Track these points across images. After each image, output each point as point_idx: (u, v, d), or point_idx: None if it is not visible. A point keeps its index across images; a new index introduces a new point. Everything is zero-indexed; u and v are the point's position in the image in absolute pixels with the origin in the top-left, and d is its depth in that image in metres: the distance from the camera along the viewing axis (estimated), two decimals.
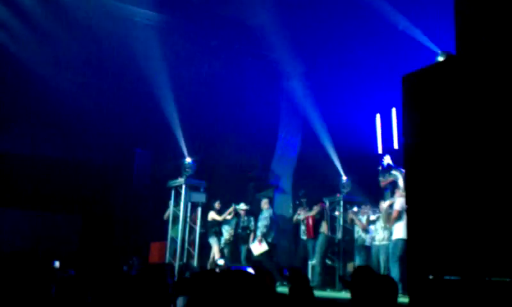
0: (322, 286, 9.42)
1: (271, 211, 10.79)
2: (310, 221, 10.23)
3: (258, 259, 10.20)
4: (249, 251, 10.57)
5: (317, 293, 8.09)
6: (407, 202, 3.78)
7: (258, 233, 10.43)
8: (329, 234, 10.23)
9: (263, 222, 10.53)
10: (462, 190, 3.33)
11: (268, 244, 10.42)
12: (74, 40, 11.03)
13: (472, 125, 3.08)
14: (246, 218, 10.84)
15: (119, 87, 11.96)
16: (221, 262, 9.61)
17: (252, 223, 10.78)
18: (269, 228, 10.55)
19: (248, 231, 10.70)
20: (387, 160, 9.84)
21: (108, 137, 11.91)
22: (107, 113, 11.84)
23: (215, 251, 10.46)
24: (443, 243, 3.54)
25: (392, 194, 8.93)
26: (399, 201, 8.25)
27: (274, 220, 10.87)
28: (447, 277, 3.53)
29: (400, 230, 8.09)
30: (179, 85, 11.81)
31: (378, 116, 13.18)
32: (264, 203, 10.82)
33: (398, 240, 8.10)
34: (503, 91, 2.93)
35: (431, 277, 3.64)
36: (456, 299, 3.25)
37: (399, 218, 8.18)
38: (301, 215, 10.50)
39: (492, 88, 2.98)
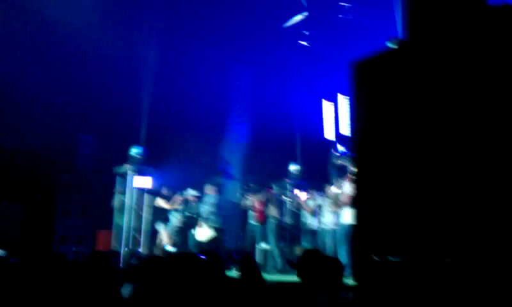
0: (279, 270, 9.56)
1: (216, 196, 10.74)
2: (259, 206, 10.29)
3: (207, 245, 10.19)
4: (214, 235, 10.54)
5: (279, 277, 8.20)
6: (355, 186, 3.84)
7: (201, 219, 10.41)
8: (279, 217, 10.29)
9: (206, 207, 10.51)
10: (407, 174, 3.40)
11: (216, 229, 10.40)
12: (11, 21, 10.57)
13: (421, 111, 3.14)
14: (194, 204, 10.79)
15: (61, 71, 11.58)
16: (170, 249, 9.55)
17: (201, 209, 10.75)
18: (215, 213, 10.52)
19: (196, 217, 10.66)
20: (340, 146, 9.99)
21: (51, 123, 11.55)
22: (50, 98, 11.46)
23: (163, 237, 10.38)
24: (388, 226, 3.61)
25: (339, 179, 9.06)
26: (349, 186, 8.40)
27: (220, 205, 10.82)
28: (391, 259, 3.60)
29: (348, 215, 8.26)
30: (125, 70, 11.56)
31: (325, 101, 13.35)
32: (208, 189, 10.77)
33: (347, 224, 8.26)
34: (452, 77, 3.00)
35: (375, 258, 3.71)
36: (399, 279, 3.31)
37: (348, 203, 8.33)
38: (249, 200, 10.54)
39: (441, 74, 3.04)
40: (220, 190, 11.48)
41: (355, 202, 3.86)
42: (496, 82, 2.84)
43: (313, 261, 3.52)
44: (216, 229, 10.41)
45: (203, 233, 10.36)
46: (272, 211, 10.18)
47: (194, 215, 10.64)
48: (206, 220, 10.33)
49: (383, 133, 3.45)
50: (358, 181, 3.82)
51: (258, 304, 3.61)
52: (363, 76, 3.66)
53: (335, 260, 3.70)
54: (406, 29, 3.60)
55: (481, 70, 2.91)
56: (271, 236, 10.00)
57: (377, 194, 3.52)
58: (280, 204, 10.76)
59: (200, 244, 10.40)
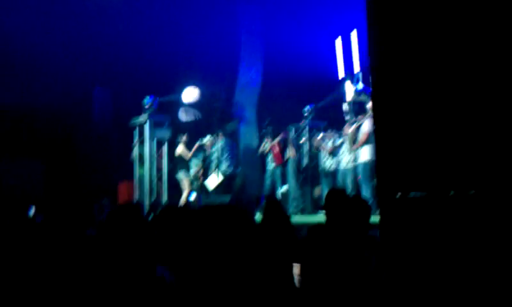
0: (301, 211, 9.64)
1: (223, 141, 10.72)
2: (277, 148, 10.29)
3: (235, 191, 10.27)
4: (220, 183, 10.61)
5: (303, 218, 8.26)
6: (374, 122, 3.80)
7: (213, 167, 10.45)
8: (297, 157, 10.28)
9: (215, 154, 10.53)
10: (426, 108, 3.35)
11: (229, 175, 10.45)
12: None
13: (439, 44, 3.06)
14: (213, 149, 10.81)
15: (71, 25, 11.46)
16: (192, 198, 9.65)
17: (211, 156, 10.74)
18: (225, 158, 10.54)
19: (205, 164, 10.69)
20: (360, 84, 9.83)
21: (64, 77, 11.52)
22: (61, 53, 11.41)
23: (185, 186, 10.45)
24: (410, 161, 3.58)
25: (357, 117, 8.98)
26: (367, 124, 8.33)
27: (230, 149, 10.81)
28: (414, 194, 3.60)
29: (366, 153, 8.23)
30: (134, 20, 11.41)
31: (339, 40, 13.08)
32: (220, 135, 10.77)
33: (366, 162, 8.25)
34: (472, 8, 2.90)
35: (397, 196, 3.70)
36: (423, 213, 3.33)
37: (366, 141, 8.30)
38: (267, 144, 10.54)
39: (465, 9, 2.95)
40: (236, 136, 11.48)
41: (376, 139, 3.84)
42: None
43: (339, 201, 3.53)
44: (230, 175, 10.42)
45: (211, 181, 10.41)
46: (291, 153, 10.17)
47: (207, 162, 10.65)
48: (215, 167, 10.36)
49: (402, 66, 3.39)
50: (377, 117, 3.79)
51: (284, 247, 3.64)
52: (380, 8, 3.55)
53: (361, 200, 3.71)
54: None
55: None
56: (291, 178, 10.02)
57: (399, 129, 3.49)
58: (298, 146, 10.76)
59: (208, 191, 10.47)
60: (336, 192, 3.71)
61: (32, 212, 6.76)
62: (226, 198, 9.57)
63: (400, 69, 3.35)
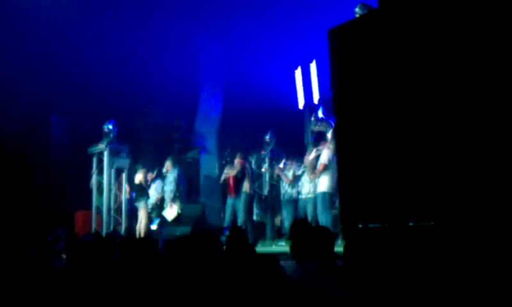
0: (254, 242, 9.55)
1: (175, 173, 10.66)
2: (231, 181, 10.14)
3: (196, 221, 10.18)
4: (178, 214, 10.51)
5: (259, 248, 8.20)
6: (337, 152, 3.87)
7: (167, 199, 10.34)
8: (251, 192, 10.11)
9: (169, 186, 10.45)
10: (388, 140, 3.44)
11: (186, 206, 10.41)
12: None
13: (401, 76, 3.17)
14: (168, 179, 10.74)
15: (29, 52, 11.28)
16: (154, 227, 9.52)
17: (165, 187, 10.64)
18: (177, 190, 10.47)
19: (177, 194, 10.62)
20: (320, 112, 9.96)
21: (22, 105, 11.28)
22: (18, 80, 11.18)
23: (142, 215, 10.28)
24: (371, 192, 3.66)
25: (317, 146, 9.06)
26: (325, 154, 8.43)
27: (180, 181, 10.75)
28: (374, 225, 3.67)
29: (325, 182, 8.32)
30: (94, 47, 11.33)
31: (298, 71, 13.33)
32: (168, 166, 10.68)
33: (325, 192, 8.32)
34: (429, 42, 3.03)
35: (360, 226, 3.77)
36: (384, 244, 3.38)
37: (324, 171, 8.38)
38: (224, 174, 10.47)
39: (419, 39, 3.07)
40: (196, 165, 11.44)
41: (339, 169, 3.90)
42: (465, 42, 2.87)
43: (303, 230, 3.56)
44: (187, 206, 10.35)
45: (169, 213, 10.33)
46: (245, 185, 10.00)
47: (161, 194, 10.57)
48: (169, 199, 10.30)
49: (365, 100, 3.48)
50: (339, 148, 3.87)
51: (249, 274, 3.63)
52: (340, 42, 3.67)
53: (325, 229, 3.74)
54: None
55: (448, 30, 2.94)
56: (242, 211, 9.85)
57: (361, 160, 3.56)
58: (259, 177, 10.80)
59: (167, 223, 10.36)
60: (301, 222, 3.75)
61: None
62: (187, 229, 9.47)
63: (363, 100, 3.45)
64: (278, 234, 9.70)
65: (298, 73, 13.24)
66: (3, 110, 11.24)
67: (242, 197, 9.84)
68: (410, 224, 3.33)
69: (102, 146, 10.21)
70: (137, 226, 10.08)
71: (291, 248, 3.49)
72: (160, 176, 10.71)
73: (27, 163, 11.81)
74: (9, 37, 10.82)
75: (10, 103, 11.18)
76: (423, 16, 3.07)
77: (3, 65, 10.88)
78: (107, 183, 10.06)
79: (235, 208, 10.15)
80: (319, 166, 8.48)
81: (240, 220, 9.83)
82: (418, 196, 3.19)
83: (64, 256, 5.05)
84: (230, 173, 10.13)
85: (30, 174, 11.89)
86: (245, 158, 10.55)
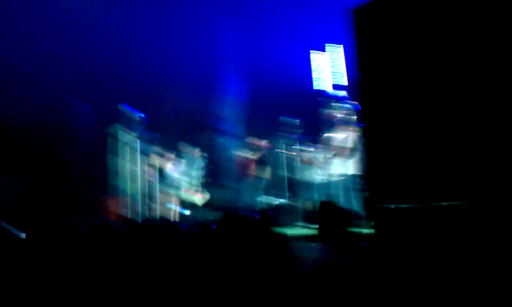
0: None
1: (204, 159, 10.73)
2: (253, 164, 10.22)
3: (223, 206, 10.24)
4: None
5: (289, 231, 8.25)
6: (365, 135, 3.87)
7: (197, 184, 10.43)
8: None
9: (199, 172, 10.54)
10: (418, 120, 3.42)
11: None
12: None
13: (429, 58, 3.14)
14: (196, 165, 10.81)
15: (49, 35, 11.33)
16: (186, 213, 9.66)
17: (192, 173, 10.74)
18: (205, 175, 10.57)
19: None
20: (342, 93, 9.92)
21: (42, 90, 11.39)
22: (38, 66, 11.28)
23: (174, 201, 10.43)
24: (401, 173, 3.65)
25: (340, 129, 9.05)
26: (352, 137, 8.43)
27: (209, 167, 10.82)
28: (407, 206, 3.67)
29: (354, 165, 8.36)
30: (113, 31, 11.34)
31: (313, 53, 13.19)
32: (196, 152, 10.75)
33: (354, 174, 8.36)
34: (458, 20, 2.99)
35: (392, 206, 3.78)
36: (416, 225, 3.39)
37: (352, 153, 8.40)
38: (243, 157, 10.51)
39: (447, 18, 3.03)
40: (218, 149, 11.49)
41: (367, 151, 3.90)
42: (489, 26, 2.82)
43: (330, 213, 3.59)
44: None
45: (199, 199, 10.42)
46: (263, 169, 10.08)
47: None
48: (200, 185, 10.39)
49: (391, 80, 3.46)
50: (367, 130, 3.85)
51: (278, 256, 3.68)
52: (365, 22, 3.63)
53: (350, 212, 3.78)
54: None
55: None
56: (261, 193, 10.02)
57: (389, 142, 3.55)
58: (288, 159, 10.80)
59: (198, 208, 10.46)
60: (327, 205, 3.77)
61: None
62: (218, 213, 9.54)
63: (390, 82, 3.42)
64: (309, 217, 9.73)
65: (314, 56, 13.13)
66: (24, 96, 11.38)
67: (260, 179, 9.98)
68: (443, 203, 3.32)
69: (134, 134, 10.34)
70: (171, 212, 10.26)
71: (318, 230, 3.54)
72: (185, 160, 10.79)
73: (52, 149, 11.94)
74: (28, 22, 10.91)
75: (30, 88, 11.29)
76: None
77: (25, 53, 11.00)
78: (140, 170, 10.21)
79: (253, 189, 10.25)
80: (347, 149, 8.48)
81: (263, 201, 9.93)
82: (449, 176, 3.17)
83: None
84: (250, 155, 10.18)
85: (58, 161, 12.04)
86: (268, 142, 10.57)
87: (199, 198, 10.40)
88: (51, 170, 11.88)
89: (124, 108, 10.50)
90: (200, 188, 10.42)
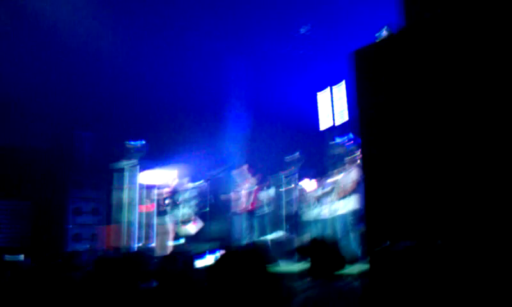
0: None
1: (197, 190, 10.77)
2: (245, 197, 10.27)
3: (220, 237, 10.24)
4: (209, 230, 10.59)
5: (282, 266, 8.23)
6: (364, 171, 3.90)
7: (191, 214, 10.43)
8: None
9: (193, 201, 10.54)
10: (415, 159, 3.45)
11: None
12: (7, 18, 10.49)
13: (426, 96, 3.19)
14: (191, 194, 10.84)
15: (58, 69, 11.51)
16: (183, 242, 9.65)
17: (213, 201, 10.78)
18: (198, 206, 10.59)
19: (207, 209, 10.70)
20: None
21: (47, 120, 11.52)
22: (48, 96, 11.43)
23: (170, 230, 10.39)
24: (398, 210, 3.66)
25: (342, 167, 9.11)
26: (356, 172, 8.49)
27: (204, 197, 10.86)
28: (403, 244, 3.65)
29: (355, 201, 8.38)
30: (121, 65, 11.51)
31: (321, 93, 13.41)
32: (188, 182, 10.79)
33: (354, 210, 8.37)
34: (455, 61, 3.04)
35: (387, 244, 3.76)
36: (411, 262, 3.37)
37: (353, 191, 8.44)
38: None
39: (445, 58, 3.09)
40: (224, 182, 11.51)
41: (366, 187, 3.92)
42: (493, 65, 2.88)
43: (321, 249, 3.59)
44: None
45: (192, 227, 10.40)
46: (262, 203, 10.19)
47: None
48: (193, 214, 10.41)
49: (391, 119, 3.50)
50: (366, 166, 3.89)
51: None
52: (366, 63, 3.71)
53: (340, 250, 3.77)
54: (404, 16, 3.66)
55: (475, 54, 2.95)
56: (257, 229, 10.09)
57: (387, 179, 3.58)
58: (287, 194, 10.86)
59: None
60: (319, 241, 3.77)
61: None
62: (214, 244, 9.53)
63: (390, 120, 3.47)
64: (296, 249, 9.72)
65: (321, 96, 13.34)
66: (28, 123, 11.51)
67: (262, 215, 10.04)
68: (438, 242, 3.32)
69: (132, 162, 10.38)
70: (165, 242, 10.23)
71: (310, 266, 3.53)
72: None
73: (61, 177, 12.04)
74: (35, 50, 11.08)
75: (34, 116, 11.42)
76: (450, 37, 3.09)
77: (34, 82, 11.17)
78: (139, 198, 10.22)
79: (258, 224, 10.27)
80: (351, 184, 8.49)
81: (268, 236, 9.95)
82: (445, 215, 3.18)
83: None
84: (249, 190, 10.22)
85: (64, 188, 12.12)
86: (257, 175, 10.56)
87: (192, 227, 10.37)
88: (55, 197, 11.97)
89: (129, 143, 10.58)
90: (193, 217, 10.39)
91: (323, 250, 3.55)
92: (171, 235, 10.33)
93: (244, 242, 10.04)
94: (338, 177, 9.01)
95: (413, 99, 3.27)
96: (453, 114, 3.07)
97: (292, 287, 3.64)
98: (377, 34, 5.48)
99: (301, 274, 6.22)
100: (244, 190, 10.21)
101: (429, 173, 3.33)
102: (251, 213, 10.21)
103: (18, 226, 11.35)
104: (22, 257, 7.06)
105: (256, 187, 10.29)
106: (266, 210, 10.35)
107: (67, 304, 3.31)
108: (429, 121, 3.19)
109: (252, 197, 10.22)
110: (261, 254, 4.29)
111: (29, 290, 3.52)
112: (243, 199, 10.13)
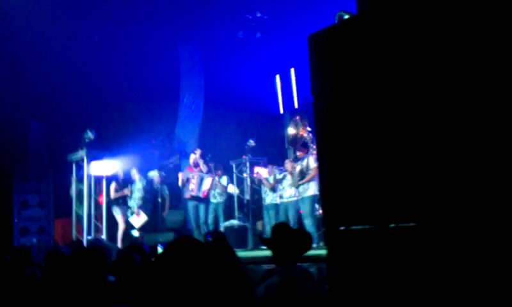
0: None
1: (143, 181, 10.63)
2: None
3: (174, 228, 10.13)
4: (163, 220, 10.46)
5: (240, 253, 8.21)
6: (318, 157, 3.90)
7: (135, 206, 10.30)
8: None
9: (138, 194, 10.40)
10: (369, 142, 3.46)
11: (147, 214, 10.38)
12: None
13: (383, 79, 3.20)
14: (159, 186, 10.69)
15: (8, 60, 11.13)
16: (135, 233, 9.47)
17: (166, 191, 10.65)
18: (144, 199, 10.46)
19: (160, 200, 10.57)
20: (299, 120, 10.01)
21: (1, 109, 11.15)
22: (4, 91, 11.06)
23: (120, 222, 10.22)
24: (353, 194, 3.68)
25: (300, 153, 9.16)
26: (313, 159, 8.56)
27: (148, 190, 10.72)
28: (356, 227, 3.69)
29: (313, 187, 8.46)
30: (74, 54, 11.23)
31: (278, 77, 13.43)
32: (134, 174, 10.61)
33: (311, 196, 8.46)
34: (413, 46, 3.06)
35: (342, 228, 3.78)
36: (366, 247, 3.40)
37: (310, 176, 8.53)
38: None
39: (403, 43, 3.10)
40: (177, 171, 11.40)
41: (320, 173, 3.94)
42: (452, 48, 2.92)
43: (284, 234, 3.58)
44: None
45: (136, 220, 10.26)
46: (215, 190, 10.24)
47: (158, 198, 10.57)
48: (137, 207, 10.26)
49: (346, 104, 3.52)
50: (320, 152, 3.90)
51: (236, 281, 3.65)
52: (321, 47, 3.69)
53: (304, 232, 3.78)
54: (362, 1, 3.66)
55: (434, 37, 2.99)
56: (221, 216, 10.13)
57: (342, 163, 3.60)
58: (240, 182, 10.85)
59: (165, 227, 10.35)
60: (281, 226, 3.77)
61: None
62: (169, 235, 9.42)
63: (344, 103, 3.48)
64: (260, 238, 9.75)
65: (278, 79, 13.36)
66: None
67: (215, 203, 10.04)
68: (391, 225, 3.36)
69: (82, 153, 10.13)
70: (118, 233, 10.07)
71: (272, 252, 3.52)
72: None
73: (7, 169, 11.67)
74: None
75: None
76: (413, 18, 3.09)
77: None
78: (88, 190, 9.99)
79: (217, 212, 10.25)
80: (312, 171, 8.53)
81: (221, 224, 9.93)
82: (400, 197, 3.22)
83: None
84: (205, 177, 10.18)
85: (10, 181, 11.76)
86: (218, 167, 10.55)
87: (136, 219, 10.20)
88: (6, 190, 11.59)
89: (79, 134, 10.31)
90: (137, 210, 10.22)
91: (286, 234, 3.55)
92: (122, 227, 10.16)
93: (199, 231, 9.98)
94: (295, 164, 9.06)
95: (370, 83, 3.28)
96: (410, 97, 3.09)
97: (253, 274, 3.63)
98: (336, 16, 5.47)
99: (262, 261, 6.25)
100: (196, 176, 10.11)
101: (384, 158, 3.34)
102: (203, 201, 10.13)
103: None
104: None
105: (208, 175, 10.22)
106: (219, 198, 10.30)
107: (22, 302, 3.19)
108: (386, 104, 3.21)
109: (204, 184, 10.13)
110: (220, 242, 4.28)
111: None
112: (194, 186, 10.02)
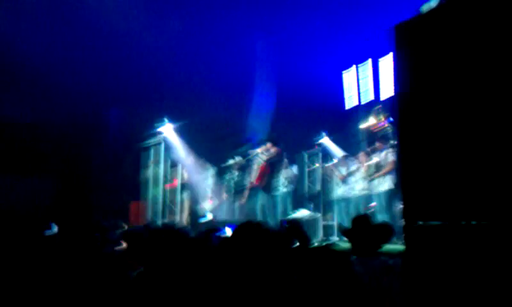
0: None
1: (215, 168, 10.83)
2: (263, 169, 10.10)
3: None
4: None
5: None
6: (399, 151, 3.85)
7: (208, 191, 10.46)
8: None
9: (210, 180, 10.57)
10: (451, 139, 3.38)
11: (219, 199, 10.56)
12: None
13: (469, 75, 3.10)
14: (238, 173, 10.81)
15: (89, 48, 11.59)
16: (209, 217, 9.73)
17: (247, 179, 10.70)
18: (217, 185, 10.63)
19: (242, 188, 10.59)
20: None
21: (79, 96, 11.64)
22: (77, 71, 11.52)
23: (186, 207, 10.46)
24: (433, 190, 3.62)
25: (376, 147, 9.02)
26: (386, 153, 8.44)
27: (224, 177, 10.85)
28: (435, 223, 3.64)
29: (389, 181, 8.31)
30: (151, 44, 11.54)
31: (347, 71, 13.23)
32: (204, 162, 10.83)
33: (388, 190, 8.31)
34: (499, 37, 2.95)
35: (420, 223, 3.74)
36: (443, 242, 3.36)
37: (387, 170, 8.40)
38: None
39: (490, 34, 2.99)
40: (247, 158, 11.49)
41: (402, 167, 3.87)
42: None
43: (365, 226, 3.57)
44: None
45: (208, 205, 10.45)
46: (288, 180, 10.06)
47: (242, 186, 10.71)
48: (211, 192, 10.46)
49: (431, 99, 3.42)
50: (402, 146, 3.83)
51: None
52: (408, 38, 3.59)
53: (387, 226, 3.76)
54: None
55: None
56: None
57: (423, 158, 3.52)
58: (311, 172, 10.80)
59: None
60: (362, 218, 3.75)
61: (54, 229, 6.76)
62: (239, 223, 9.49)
63: (427, 99, 3.40)
64: (340, 230, 9.67)
65: (346, 74, 13.17)
66: (62, 101, 11.63)
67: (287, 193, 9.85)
68: (472, 222, 3.28)
69: (158, 139, 10.47)
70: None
71: (352, 244, 3.52)
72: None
73: (85, 154, 12.18)
74: (73, 31, 11.17)
75: (68, 92, 11.53)
76: (502, 9, 2.97)
77: (65, 56, 11.26)
78: (163, 174, 10.31)
79: (285, 202, 10.10)
80: (389, 165, 8.41)
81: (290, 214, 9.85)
82: (479, 195, 3.13)
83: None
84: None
85: (86, 166, 12.28)
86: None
87: (208, 205, 10.42)
88: (84, 174, 12.12)
89: (162, 118, 10.66)
90: (210, 195, 10.45)
91: (367, 226, 3.54)
92: (186, 212, 10.39)
93: (268, 220, 9.99)
94: (371, 156, 8.93)
95: (458, 79, 3.18)
96: (497, 94, 2.98)
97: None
98: (422, 6, 5.30)
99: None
100: (257, 165, 9.98)
101: (466, 155, 3.26)
102: (265, 189, 9.85)
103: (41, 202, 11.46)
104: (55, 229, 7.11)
105: (264, 163, 9.93)
106: (287, 188, 9.97)
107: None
108: (471, 100, 3.11)
109: (259, 171, 9.93)
110: (295, 229, 4.30)
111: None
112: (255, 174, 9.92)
